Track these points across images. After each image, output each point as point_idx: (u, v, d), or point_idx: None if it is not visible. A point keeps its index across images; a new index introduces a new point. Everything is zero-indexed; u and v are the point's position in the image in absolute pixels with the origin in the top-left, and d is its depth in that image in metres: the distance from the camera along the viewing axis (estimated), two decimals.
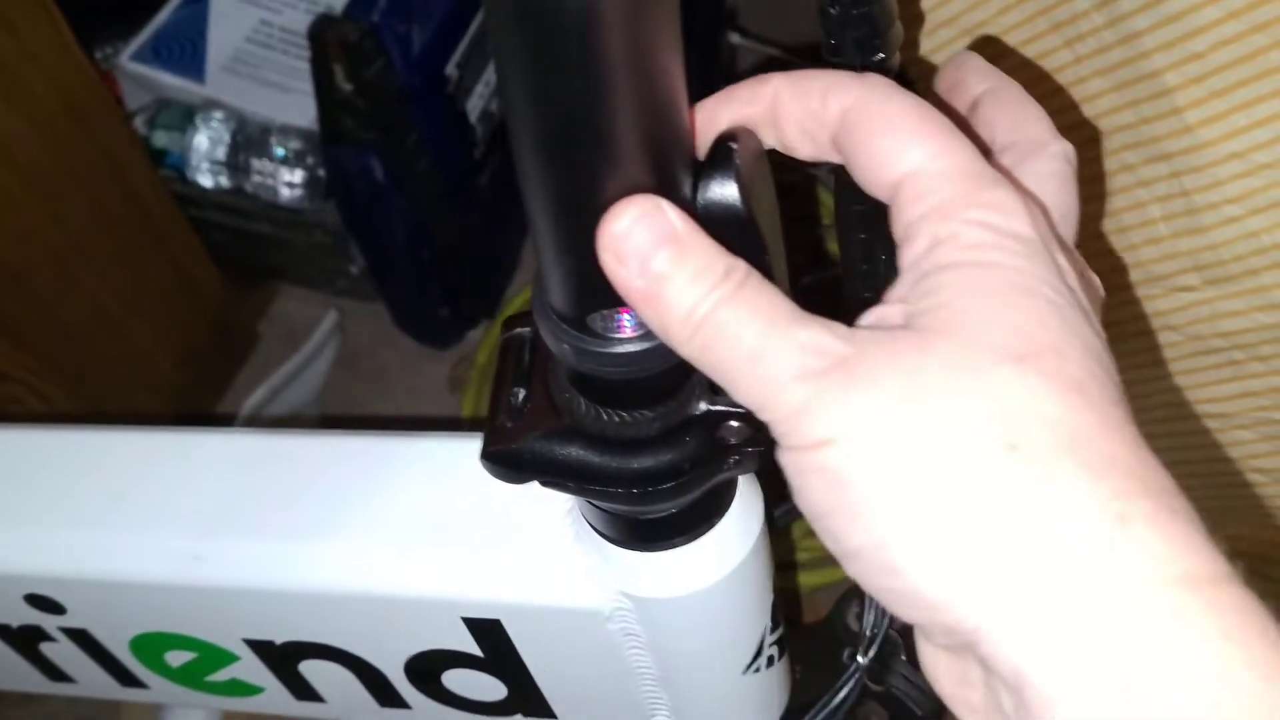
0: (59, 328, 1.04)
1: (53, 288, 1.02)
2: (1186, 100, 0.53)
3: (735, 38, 1.10)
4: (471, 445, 0.42)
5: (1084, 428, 0.23)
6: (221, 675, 0.49)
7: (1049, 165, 0.30)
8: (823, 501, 0.24)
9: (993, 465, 0.22)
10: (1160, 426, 0.67)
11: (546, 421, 0.33)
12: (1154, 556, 0.21)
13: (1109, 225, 0.60)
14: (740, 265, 0.26)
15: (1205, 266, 0.57)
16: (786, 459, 0.25)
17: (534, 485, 0.34)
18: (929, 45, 0.63)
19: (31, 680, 0.54)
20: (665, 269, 0.25)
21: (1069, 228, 0.29)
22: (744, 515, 0.38)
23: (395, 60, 0.98)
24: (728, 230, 0.27)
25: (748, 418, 0.31)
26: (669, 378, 0.30)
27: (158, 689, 0.52)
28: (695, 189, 0.28)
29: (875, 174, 0.27)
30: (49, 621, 0.48)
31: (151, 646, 0.48)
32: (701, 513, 0.36)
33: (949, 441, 0.23)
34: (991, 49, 0.62)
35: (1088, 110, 0.58)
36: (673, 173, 0.26)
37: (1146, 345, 0.63)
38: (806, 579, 0.93)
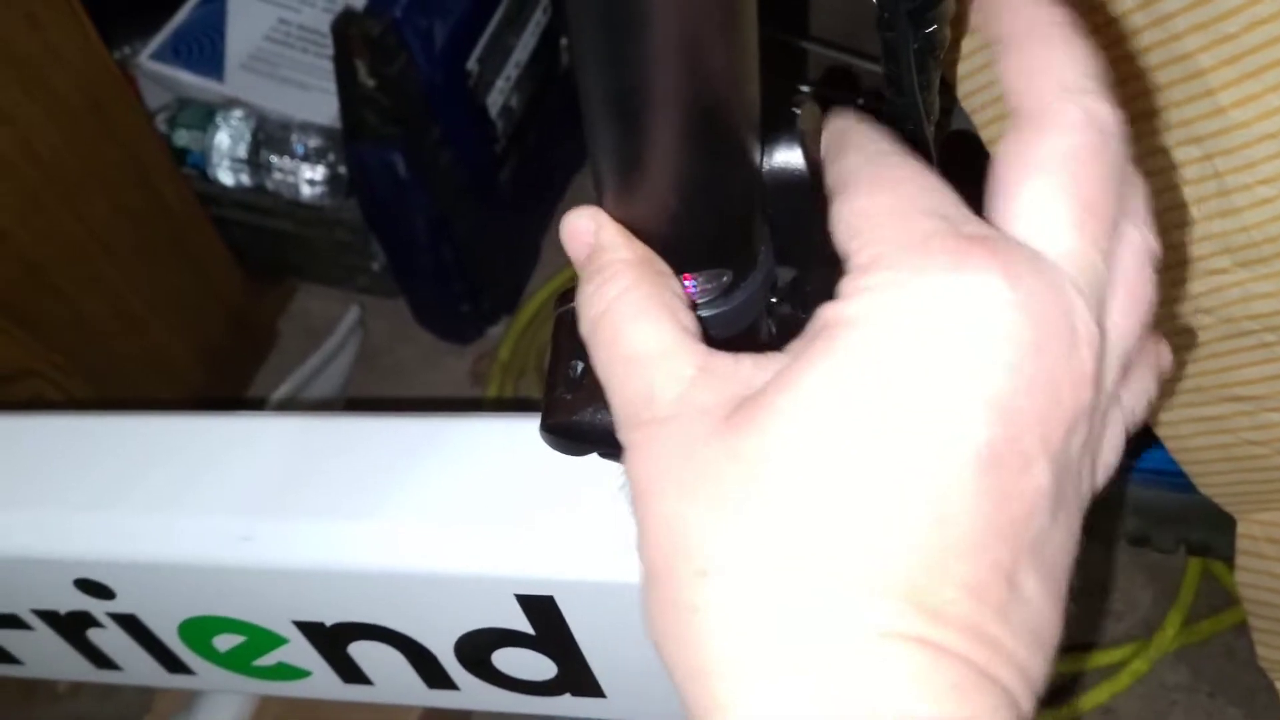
0: (81, 324, 1.04)
1: (75, 284, 1.02)
2: (1219, 82, 0.53)
3: None
4: (521, 424, 0.42)
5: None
6: (269, 659, 0.50)
7: (1052, 143, 0.19)
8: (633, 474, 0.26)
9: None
10: (1190, 411, 0.67)
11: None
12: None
13: None
14: (641, 261, 0.27)
15: (1237, 249, 0.57)
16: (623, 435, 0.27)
17: (589, 459, 0.34)
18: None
19: (78, 668, 0.54)
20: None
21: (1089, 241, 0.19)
22: None
23: (417, 56, 0.99)
24: (790, 197, 0.28)
25: None
26: (729, 346, 0.31)
27: (204, 675, 0.52)
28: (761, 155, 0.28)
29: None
30: (98, 607, 0.49)
31: (200, 631, 0.49)
32: None
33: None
34: None
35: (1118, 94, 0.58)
36: (739, 135, 0.27)
37: (1177, 329, 0.63)
38: None
